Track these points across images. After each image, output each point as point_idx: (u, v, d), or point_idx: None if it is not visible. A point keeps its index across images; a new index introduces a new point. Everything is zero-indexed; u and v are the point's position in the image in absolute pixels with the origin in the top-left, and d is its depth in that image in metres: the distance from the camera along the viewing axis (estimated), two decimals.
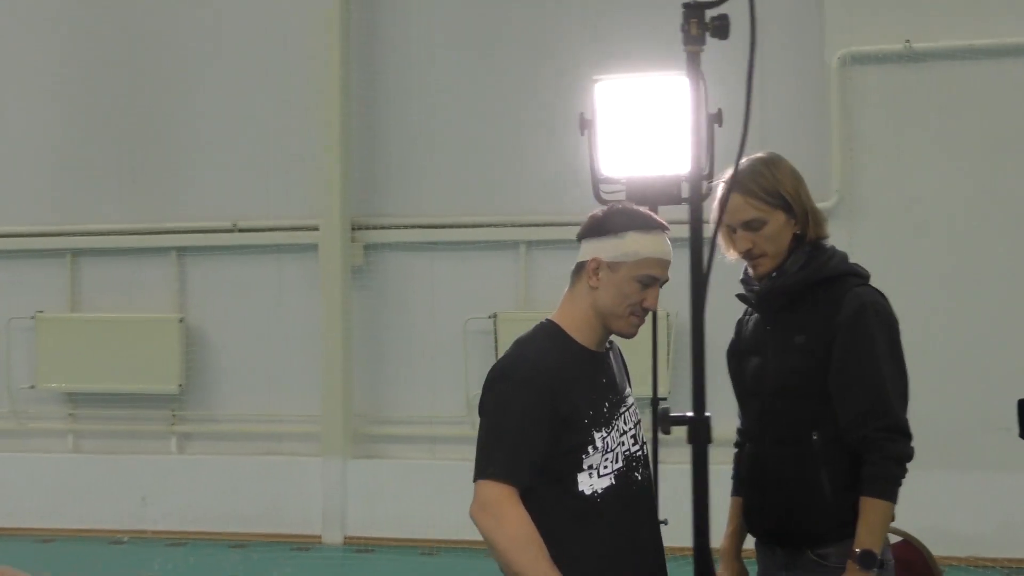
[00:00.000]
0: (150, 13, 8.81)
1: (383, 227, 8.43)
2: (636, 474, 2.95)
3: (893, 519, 3.07)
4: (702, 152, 3.41)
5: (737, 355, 3.32)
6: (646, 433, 3.11)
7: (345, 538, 8.34)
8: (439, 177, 8.37)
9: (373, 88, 8.44)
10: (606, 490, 2.86)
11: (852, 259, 3.26)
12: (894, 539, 3.34)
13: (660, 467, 3.44)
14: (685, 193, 2.80)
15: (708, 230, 2.95)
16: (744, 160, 3.12)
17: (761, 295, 3.20)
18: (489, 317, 8.09)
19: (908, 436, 3.03)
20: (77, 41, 8.92)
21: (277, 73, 8.56)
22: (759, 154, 3.21)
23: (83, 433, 8.97)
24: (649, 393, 3.78)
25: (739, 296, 3.30)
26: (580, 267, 2.96)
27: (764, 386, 3.17)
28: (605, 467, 2.86)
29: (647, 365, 3.85)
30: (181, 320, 8.63)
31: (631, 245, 2.85)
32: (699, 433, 2.46)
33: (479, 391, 8.86)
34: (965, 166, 7.38)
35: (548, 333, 2.93)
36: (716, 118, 3.27)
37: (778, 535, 3.16)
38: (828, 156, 7.49)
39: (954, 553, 7.13)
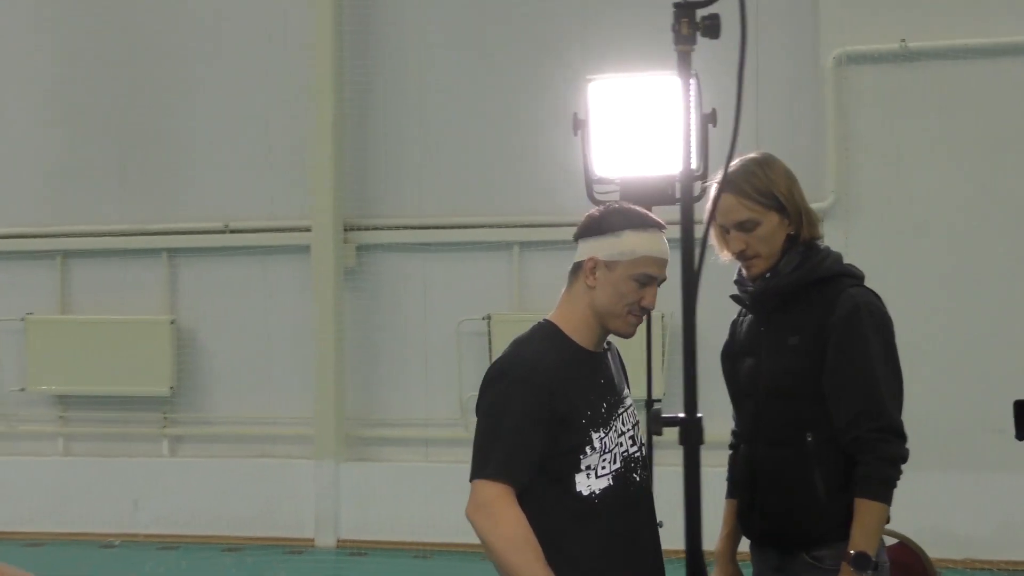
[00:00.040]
0: (143, 15, 8.78)
1: (376, 228, 8.40)
2: (635, 475, 2.95)
3: (888, 520, 3.07)
4: (696, 152, 3.39)
5: (731, 356, 3.31)
6: (644, 434, 3.10)
7: (338, 541, 8.31)
8: (432, 178, 8.35)
9: (366, 88, 8.41)
10: (604, 491, 2.86)
11: (848, 259, 3.26)
12: (890, 541, 3.33)
13: (655, 469, 3.42)
14: (679, 193, 2.77)
15: (703, 230, 2.92)
16: (738, 160, 3.14)
17: (755, 296, 3.19)
18: (483, 318, 8.06)
19: (902, 437, 3.03)
20: (68, 42, 8.88)
21: (269, 74, 8.53)
22: (753, 154, 3.19)
23: (74, 436, 8.93)
24: (645, 395, 3.75)
25: (733, 297, 3.29)
26: (577, 267, 2.95)
27: (758, 387, 3.17)
28: (603, 468, 2.86)
29: (642, 366, 3.82)
30: (172, 322, 8.59)
31: (627, 244, 2.85)
32: (691, 434, 2.45)
33: (473, 393, 8.79)
34: (961, 165, 7.36)
35: (546, 333, 2.93)
36: (710, 118, 3.25)
37: (772, 537, 3.16)
38: (824, 156, 7.47)
39: (952, 555, 7.12)
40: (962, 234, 7.36)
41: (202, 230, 8.61)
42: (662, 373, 7.06)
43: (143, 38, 8.76)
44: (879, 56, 7.40)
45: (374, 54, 8.41)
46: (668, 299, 3.68)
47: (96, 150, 8.81)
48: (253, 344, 8.57)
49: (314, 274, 8.33)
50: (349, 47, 8.38)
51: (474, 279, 8.24)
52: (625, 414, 2.97)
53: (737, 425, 3.31)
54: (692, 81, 3.34)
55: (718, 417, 3.71)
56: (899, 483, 3.04)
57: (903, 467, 3.04)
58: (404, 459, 8.41)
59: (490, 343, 7.95)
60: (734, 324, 3.36)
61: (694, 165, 3.42)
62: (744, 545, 3.31)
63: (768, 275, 3.15)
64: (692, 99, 3.38)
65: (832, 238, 7.26)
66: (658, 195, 3.44)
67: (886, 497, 2.99)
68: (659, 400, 3.21)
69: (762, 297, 3.17)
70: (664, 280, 2.91)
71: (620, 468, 2.90)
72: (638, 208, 2.99)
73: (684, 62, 2.46)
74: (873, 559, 2.97)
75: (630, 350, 3.24)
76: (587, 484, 2.85)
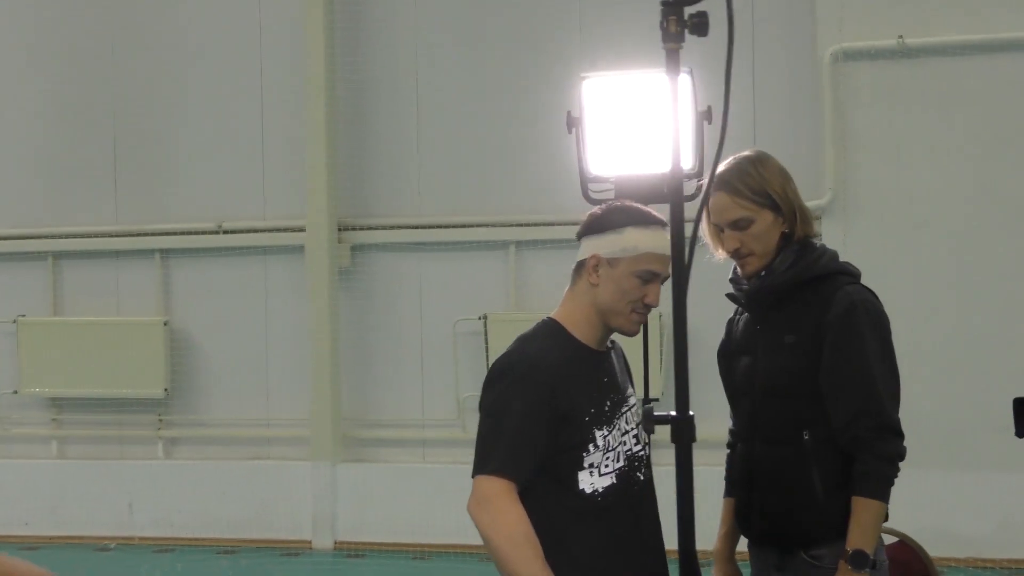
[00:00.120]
0: (136, 15, 8.75)
1: (370, 228, 8.38)
2: (638, 474, 2.96)
3: (887, 519, 3.07)
4: (692, 150, 3.34)
5: (727, 355, 3.32)
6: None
7: (335, 543, 8.29)
8: (427, 177, 8.32)
9: (359, 87, 8.38)
10: (607, 489, 2.87)
11: (847, 257, 3.28)
12: (890, 540, 3.33)
13: (654, 469, 3.40)
14: (671, 190, 2.76)
15: (698, 229, 2.94)
16: (731, 158, 3.15)
17: (750, 295, 3.19)
18: (479, 318, 8.03)
19: (900, 435, 3.03)
20: (61, 43, 8.86)
21: (262, 73, 8.50)
22: (746, 152, 3.20)
23: (68, 439, 8.90)
24: (642, 394, 3.73)
25: (729, 296, 3.29)
26: (580, 265, 2.96)
27: (754, 386, 3.16)
28: (606, 466, 2.88)
29: (640, 366, 3.79)
30: (166, 323, 8.55)
31: (629, 240, 2.86)
32: (683, 432, 2.43)
33: (470, 393, 8.78)
34: (960, 162, 7.33)
35: (549, 331, 2.94)
36: (705, 115, 3.20)
37: (770, 536, 3.16)
38: (821, 153, 7.45)
39: (953, 554, 7.11)
40: (962, 231, 7.33)
41: (195, 230, 8.58)
42: (660, 373, 7.02)
43: (135, 38, 8.74)
44: (877, 52, 7.37)
45: (366, 52, 8.38)
46: (667, 299, 3.67)
47: (88, 150, 8.78)
48: (248, 345, 8.54)
49: (309, 274, 8.30)
50: (341, 45, 8.35)
51: (470, 279, 8.22)
52: (629, 412, 2.98)
53: (734, 424, 3.31)
54: (687, 78, 3.32)
55: (716, 416, 3.68)
56: (900, 482, 3.05)
57: (901, 465, 3.04)
58: (401, 460, 8.39)
59: (487, 343, 7.91)
60: (730, 323, 3.36)
61: (690, 163, 3.39)
62: (743, 544, 3.31)
63: (763, 273, 3.14)
64: (688, 96, 3.35)
65: (830, 235, 7.24)
66: (653, 193, 3.39)
67: (884, 495, 2.99)
68: (656, 400, 3.19)
69: (757, 296, 3.16)
70: (667, 277, 2.89)
71: (624, 466, 2.91)
72: (640, 205, 3.00)
73: (672, 60, 2.46)
74: (871, 557, 2.97)
75: (629, 350, 3.24)
76: (590, 482, 2.86)
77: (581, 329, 2.93)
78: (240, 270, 8.54)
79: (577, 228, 3.01)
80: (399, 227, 8.33)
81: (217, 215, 8.56)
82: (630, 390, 3.05)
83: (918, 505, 6.46)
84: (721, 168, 3.13)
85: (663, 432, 2.83)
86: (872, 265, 3.49)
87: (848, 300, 3.05)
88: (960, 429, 7.17)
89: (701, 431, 5.67)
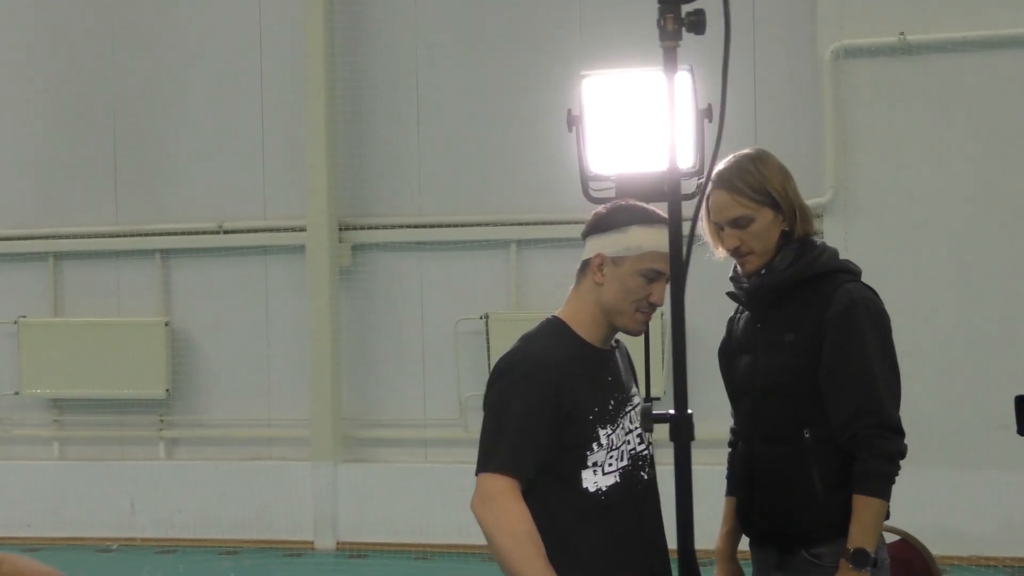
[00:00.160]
0: (134, 14, 8.74)
1: (371, 227, 8.36)
2: (642, 473, 2.96)
3: (888, 517, 3.06)
4: (693, 148, 3.34)
5: (728, 354, 3.31)
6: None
7: (338, 543, 8.27)
8: (427, 176, 8.30)
9: (359, 87, 8.36)
10: (611, 488, 2.87)
11: (848, 255, 3.27)
12: (892, 538, 3.32)
13: (657, 468, 3.40)
14: (670, 188, 2.76)
15: (698, 227, 2.91)
16: (731, 157, 3.13)
17: (750, 293, 3.18)
18: (480, 318, 8.01)
19: (900, 433, 3.02)
20: (60, 42, 8.85)
21: (262, 72, 8.49)
22: (746, 150, 3.18)
23: (69, 440, 8.89)
24: (643, 393, 3.72)
25: (729, 294, 3.29)
26: (585, 264, 2.96)
27: (755, 384, 3.16)
28: (610, 465, 2.88)
29: (641, 364, 3.79)
30: (167, 323, 8.54)
31: (634, 239, 2.87)
32: (681, 431, 2.43)
33: (471, 393, 8.76)
34: (961, 159, 7.32)
35: (554, 329, 2.94)
36: (706, 113, 3.20)
37: (771, 535, 3.16)
38: (822, 151, 7.44)
39: (956, 552, 7.09)
40: (963, 228, 7.32)
41: (196, 231, 8.57)
42: (662, 372, 7.02)
43: (135, 38, 8.73)
44: (877, 49, 7.36)
45: (366, 51, 8.37)
46: (667, 298, 3.68)
47: (88, 151, 8.77)
48: (249, 345, 8.53)
49: (309, 274, 8.29)
50: (341, 45, 8.34)
51: (471, 278, 8.20)
52: (633, 411, 2.98)
53: (735, 423, 3.30)
54: (687, 75, 3.31)
55: (717, 415, 3.67)
56: (902, 480, 3.04)
57: (902, 463, 3.03)
58: (403, 460, 8.38)
59: (488, 342, 7.90)
60: (731, 321, 3.35)
61: (691, 161, 3.38)
62: (744, 543, 3.30)
63: (763, 272, 3.14)
64: (688, 94, 3.34)
65: (831, 234, 7.23)
66: (654, 191, 3.38)
67: (884, 493, 2.98)
68: (658, 398, 3.18)
69: (757, 294, 3.15)
70: None
71: (628, 465, 2.91)
72: (645, 204, 3.00)
73: (670, 58, 2.45)
74: (872, 555, 2.96)
75: (631, 349, 3.23)
76: (594, 481, 2.86)
77: (586, 328, 2.93)
78: (241, 270, 8.54)
79: (579, 227, 3.02)
80: (400, 226, 8.32)
81: (217, 215, 8.55)
82: (634, 389, 3.05)
83: (920, 504, 6.46)
84: (721, 166, 3.13)
85: (665, 431, 2.82)
86: (873, 263, 3.48)
87: (848, 298, 3.04)
88: (961, 427, 7.15)
89: (702, 430, 5.66)
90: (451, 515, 7.74)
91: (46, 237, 8.80)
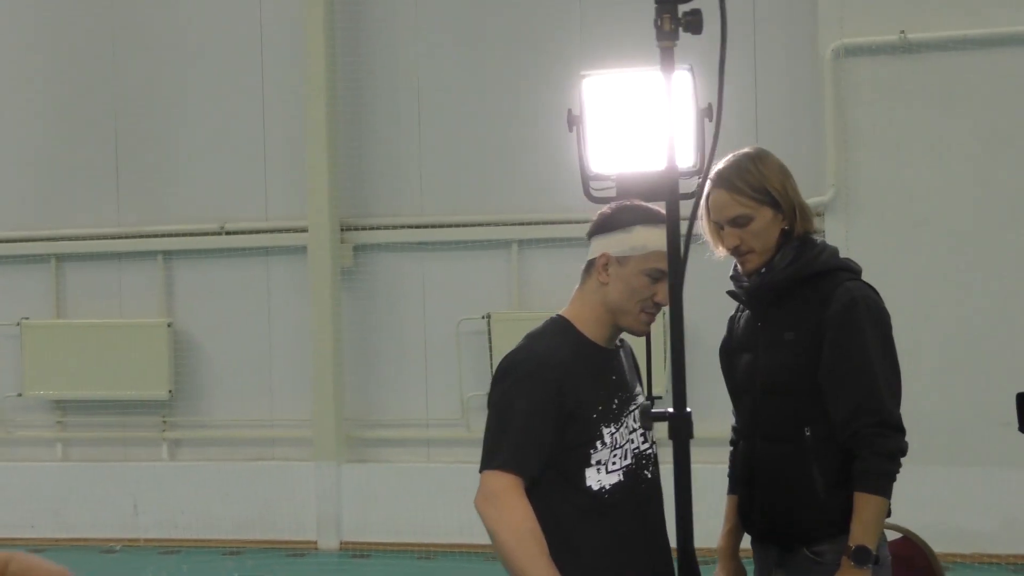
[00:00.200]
0: (135, 15, 8.74)
1: (373, 228, 8.37)
2: (646, 472, 2.96)
3: (889, 515, 3.07)
4: (694, 147, 3.34)
5: (729, 352, 3.32)
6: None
7: (341, 543, 8.27)
8: (429, 177, 8.30)
9: (360, 88, 8.36)
10: (614, 486, 2.88)
11: (849, 253, 3.27)
12: (894, 535, 3.33)
13: (661, 467, 3.41)
14: (679, 189, 2.76)
15: (699, 227, 2.93)
16: (731, 156, 3.15)
17: (750, 292, 3.18)
18: (482, 317, 8.02)
19: (900, 431, 3.02)
20: (61, 44, 8.85)
21: (263, 73, 8.50)
22: (746, 149, 3.20)
23: (72, 441, 8.89)
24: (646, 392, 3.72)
25: (729, 293, 3.29)
26: (590, 264, 2.97)
27: (755, 383, 3.16)
28: (614, 463, 2.89)
29: (643, 364, 3.79)
30: (169, 325, 8.55)
31: (638, 239, 2.88)
32: (680, 429, 2.44)
33: (474, 393, 8.74)
34: (962, 157, 7.31)
35: (558, 328, 2.96)
36: (707, 112, 3.19)
37: (772, 533, 3.16)
38: (823, 150, 7.44)
39: (958, 550, 7.09)
40: (964, 226, 7.31)
41: (197, 232, 8.58)
42: (664, 371, 7.01)
43: (136, 39, 8.73)
44: (878, 48, 7.36)
45: (367, 52, 8.37)
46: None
47: (89, 152, 8.78)
48: (251, 346, 8.54)
49: (311, 275, 8.29)
50: (342, 45, 8.34)
51: (473, 278, 8.21)
52: (637, 411, 2.97)
53: (736, 421, 3.31)
54: (687, 75, 3.31)
55: (719, 414, 3.68)
56: (904, 478, 3.04)
57: (904, 461, 3.03)
58: (405, 460, 8.38)
59: (490, 342, 7.91)
60: (732, 320, 3.36)
61: (691, 160, 3.38)
62: (746, 541, 3.31)
63: (763, 270, 3.14)
64: (688, 93, 3.34)
65: (833, 232, 7.23)
66: (655, 191, 3.38)
67: (885, 491, 2.98)
68: (659, 397, 3.19)
69: (758, 292, 3.16)
70: None
71: (631, 464, 2.92)
72: (650, 204, 3.00)
73: (667, 58, 2.46)
74: (874, 553, 2.97)
75: (634, 348, 3.22)
76: (597, 479, 2.86)
77: (590, 327, 2.94)
78: (242, 271, 8.54)
79: (580, 226, 3.02)
80: (401, 227, 8.32)
81: (219, 216, 8.56)
82: (638, 388, 3.06)
83: (922, 501, 6.46)
84: (720, 165, 3.14)
85: (665, 429, 2.83)
86: (874, 261, 3.49)
87: (848, 296, 3.04)
88: (963, 425, 7.15)
89: (704, 429, 5.65)
90: (454, 515, 7.75)
91: (48, 239, 8.80)
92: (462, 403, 8.13)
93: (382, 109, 8.36)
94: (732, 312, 3.37)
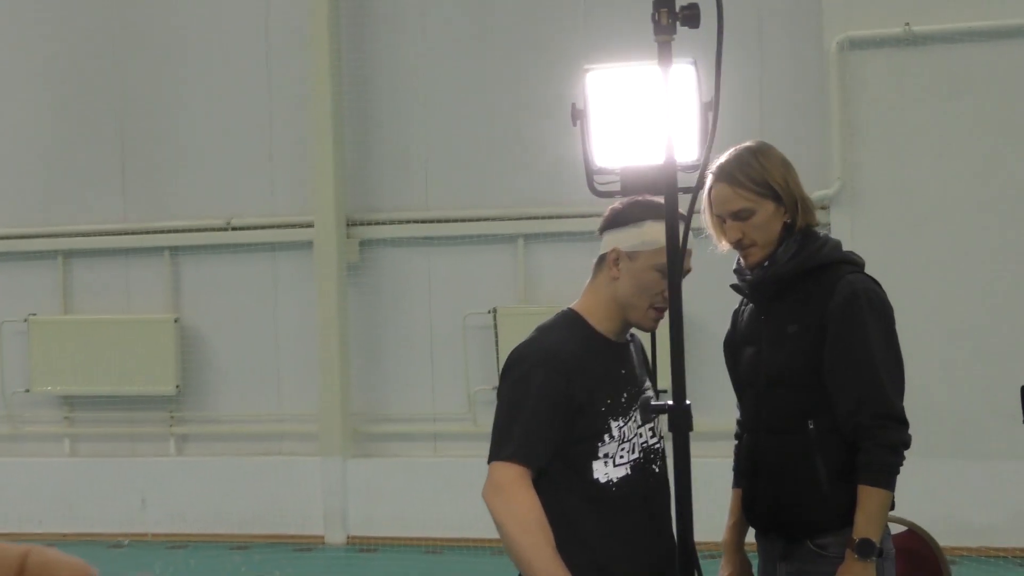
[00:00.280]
0: (139, 10, 8.74)
1: (378, 223, 8.37)
2: (654, 466, 2.98)
3: (893, 507, 3.07)
4: (695, 141, 3.34)
5: (733, 346, 3.32)
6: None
7: (348, 538, 8.28)
8: (434, 171, 8.31)
9: (365, 83, 8.37)
10: (622, 479, 2.90)
11: (855, 246, 3.27)
12: (899, 529, 3.34)
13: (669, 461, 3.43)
14: (681, 182, 2.77)
15: (701, 220, 2.97)
16: (733, 149, 3.16)
17: (753, 285, 3.19)
18: (488, 312, 8.02)
19: (904, 423, 3.03)
20: (67, 40, 8.85)
21: (268, 69, 8.50)
22: (748, 143, 3.20)
23: (80, 436, 8.91)
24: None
25: (733, 286, 3.30)
26: (601, 259, 2.99)
27: (759, 376, 3.17)
28: (621, 457, 2.90)
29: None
30: (176, 320, 8.56)
31: (649, 234, 2.89)
32: (679, 422, 2.45)
33: (480, 387, 8.74)
34: (968, 150, 7.29)
35: (569, 321, 2.98)
36: (710, 106, 3.19)
37: (776, 526, 3.17)
38: (828, 143, 7.42)
39: (965, 543, 7.07)
40: (969, 219, 7.30)
41: (204, 227, 8.58)
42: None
43: (141, 35, 8.73)
44: (883, 41, 7.34)
45: (372, 46, 8.37)
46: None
47: (96, 149, 8.79)
48: (257, 341, 8.55)
49: (317, 270, 8.30)
50: (346, 40, 8.34)
51: (479, 272, 8.20)
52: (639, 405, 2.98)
53: (740, 415, 3.32)
54: (691, 69, 3.31)
55: (724, 408, 3.68)
56: (910, 472, 3.04)
57: (911, 454, 3.04)
58: (412, 454, 8.39)
59: (496, 336, 7.91)
60: (736, 313, 3.37)
61: (695, 154, 3.39)
62: (751, 535, 3.32)
63: (766, 264, 3.15)
64: (692, 87, 3.35)
65: (838, 225, 7.22)
66: (658, 185, 3.38)
67: (888, 483, 2.99)
68: (664, 391, 3.20)
69: (761, 286, 3.17)
70: (689, 271, 2.91)
71: (639, 458, 2.94)
72: (661, 200, 2.98)
73: (665, 52, 2.48)
74: (878, 545, 2.98)
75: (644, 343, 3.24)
76: (604, 472, 2.88)
77: (601, 321, 2.96)
78: (249, 266, 8.55)
79: (585, 220, 3.04)
80: (407, 222, 8.33)
81: (225, 212, 8.57)
82: (647, 383, 3.07)
83: (929, 495, 6.46)
84: (722, 159, 3.15)
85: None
86: (879, 254, 3.48)
87: (850, 289, 3.05)
88: (970, 418, 7.14)
89: (710, 423, 5.66)
90: (461, 509, 7.75)
91: (55, 235, 8.81)
92: (468, 397, 8.13)
93: (387, 104, 8.36)
94: (736, 306, 3.37)
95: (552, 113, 7.48)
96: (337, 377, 8.24)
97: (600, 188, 3.54)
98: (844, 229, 7.09)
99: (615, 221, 2.97)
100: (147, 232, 8.69)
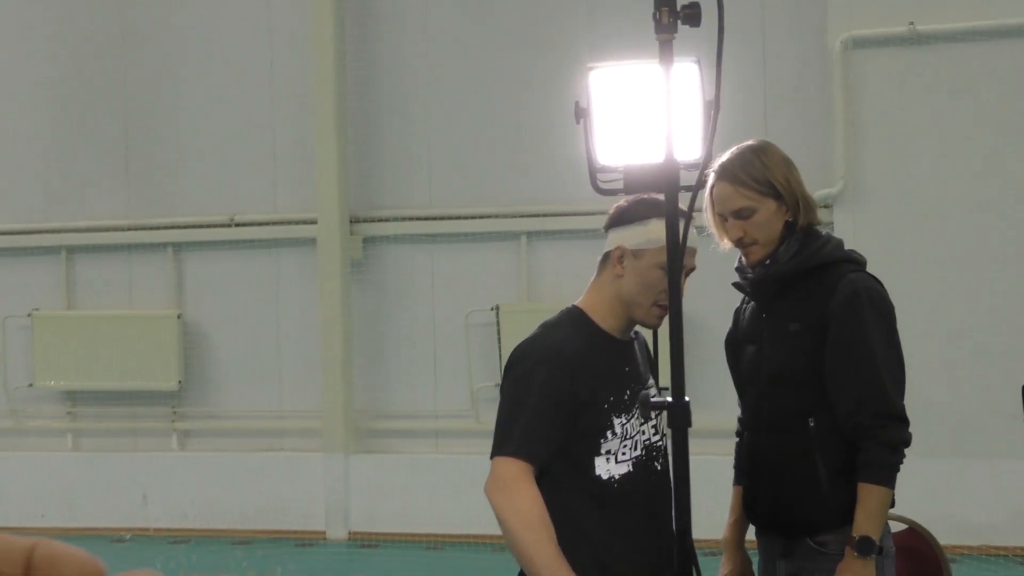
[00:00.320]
0: (143, 8, 8.75)
1: (382, 220, 8.37)
2: (656, 464, 2.99)
3: (893, 505, 3.08)
4: (699, 139, 3.35)
5: (734, 344, 3.33)
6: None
7: (349, 534, 8.29)
8: (438, 169, 8.31)
9: (369, 80, 8.37)
10: (624, 476, 2.91)
11: (858, 245, 3.27)
12: (899, 527, 3.34)
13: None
14: (684, 180, 2.78)
15: (702, 219, 2.99)
16: (735, 148, 3.16)
17: (755, 283, 3.20)
18: (491, 309, 8.03)
19: (904, 421, 3.04)
20: (70, 37, 8.86)
21: (272, 65, 8.50)
22: (750, 142, 3.21)
23: (82, 431, 8.93)
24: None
25: (735, 284, 3.30)
26: (606, 257, 3.00)
27: (760, 374, 3.18)
28: (623, 453, 2.91)
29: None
30: (179, 316, 8.57)
31: (654, 232, 2.89)
32: (678, 418, 2.46)
33: (482, 384, 8.77)
34: (971, 149, 7.29)
35: (573, 318, 2.98)
36: (712, 105, 3.19)
37: (776, 523, 3.18)
38: (832, 142, 7.42)
39: (965, 542, 7.07)
40: (972, 218, 7.29)
41: (207, 224, 8.59)
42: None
43: (145, 32, 8.74)
44: (887, 40, 7.33)
45: (375, 44, 8.37)
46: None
47: (99, 145, 8.79)
48: (260, 338, 8.55)
49: (320, 267, 8.30)
50: (351, 38, 8.35)
51: (482, 270, 8.21)
52: (638, 401, 2.98)
53: (741, 413, 3.33)
54: (694, 67, 3.32)
55: (727, 405, 3.69)
56: (911, 470, 3.05)
57: (911, 453, 3.05)
58: (414, 451, 8.39)
59: (499, 333, 7.92)
60: (737, 312, 3.37)
61: (699, 153, 3.39)
62: (751, 532, 3.32)
63: (768, 262, 3.15)
64: (695, 85, 3.35)
65: (841, 224, 7.22)
66: (661, 183, 3.39)
67: (888, 481, 3.00)
68: (666, 388, 3.21)
69: (762, 284, 3.18)
70: (693, 269, 2.94)
71: (641, 455, 2.94)
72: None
73: (666, 51, 2.48)
74: (877, 543, 2.98)
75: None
76: (606, 468, 2.89)
77: (605, 318, 2.97)
78: (252, 263, 8.55)
79: (589, 218, 3.05)
80: (410, 219, 8.33)
81: (229, 208, 8.57)
82: (651, 381, 3.08)
83: (930, 493, 6.46)
84: (724, 158, 3.16)
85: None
86: (883, 253, 3.49)
87: (851, 288, 3.05)
88: (971, 417, 7.14)
89: (712, 421, 5.67)
90: (462, 505, 7.76)
91: (58, 231, 8.82)
92: (471, 394, 8.14)
93: (391, 101, 8.36)
94: (738, 304, 3.38)
95: (555, 111, 7.50)
96: (339, 373, 8.25)
97: (603, 186, 3.54)
98: (847, 228, 7.09)
99: (620, 219, 2.97)
100: (150, 228, 8.69)
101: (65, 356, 8.65)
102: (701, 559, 2.59)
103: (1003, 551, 7.20)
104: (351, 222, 8.35)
